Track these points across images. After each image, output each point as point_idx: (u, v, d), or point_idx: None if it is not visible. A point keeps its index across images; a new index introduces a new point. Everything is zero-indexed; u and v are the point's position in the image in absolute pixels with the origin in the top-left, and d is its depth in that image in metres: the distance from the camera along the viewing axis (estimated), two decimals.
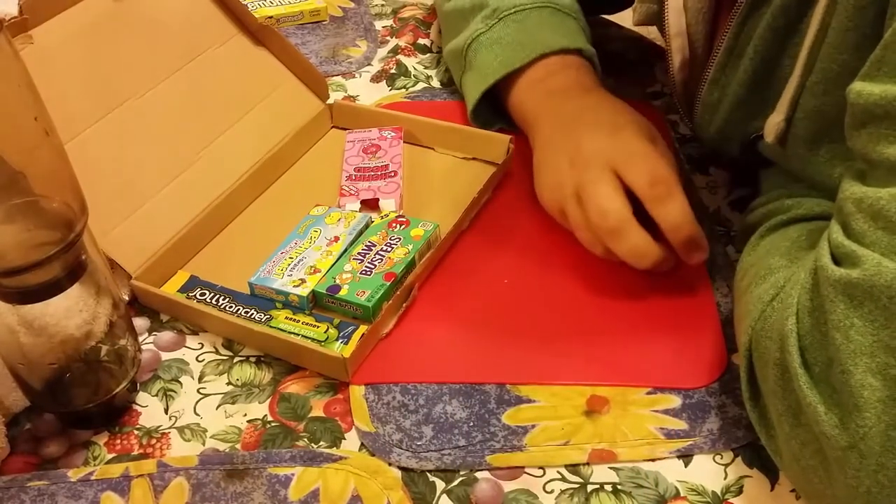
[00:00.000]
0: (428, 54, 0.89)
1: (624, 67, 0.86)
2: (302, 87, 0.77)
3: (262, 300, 0.61)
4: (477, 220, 0.68)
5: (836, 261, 0.42)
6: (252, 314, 0.60)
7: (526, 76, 0.71)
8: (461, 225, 0.66)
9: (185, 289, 0.62)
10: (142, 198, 0.64)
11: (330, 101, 0.79)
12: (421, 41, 0.92)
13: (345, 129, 0.78)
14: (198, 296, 0.61)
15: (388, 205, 0.68)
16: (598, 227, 0.58)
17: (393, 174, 0.71)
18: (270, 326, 0.58)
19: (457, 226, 0.65)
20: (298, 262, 0.62)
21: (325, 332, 0.58)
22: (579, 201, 0.59)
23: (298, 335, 0.58)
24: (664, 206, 0.57)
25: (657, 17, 0.69)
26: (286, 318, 0.59)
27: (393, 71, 0.87)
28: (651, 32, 0.82)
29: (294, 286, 0.60)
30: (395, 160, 0.72)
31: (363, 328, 0.58)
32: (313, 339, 0.57)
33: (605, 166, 0.58)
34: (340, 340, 0.57)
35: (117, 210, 0.62)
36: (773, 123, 0.55)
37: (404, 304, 0.60)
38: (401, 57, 0.89)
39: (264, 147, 0.72)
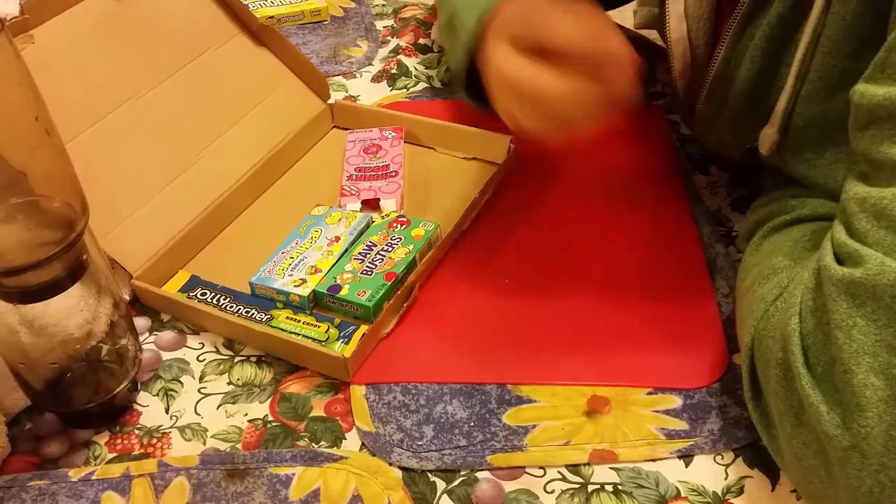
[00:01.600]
0: (429, 54, 0.89)
1: None
2: (303, 86, 0.77)
3: (263, 300, 0.61)
4: (478, 220, 0.68)
5: (839, 260, 0.42)
6: (253, 314, 0.60)
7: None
8: (462, 225, 0.66)
9: (185, 288, 0.62)
10: (143, 198, 0.64)
11: (331, 101, 0.79)
12: (422, 41, 0.92)
13: (346, 129, 0.78)
14: (198, 296, 0.61)
15: (388, 205, 0.68)
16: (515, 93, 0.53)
17: (394, 174, 0.71)
18: (271, 326, 0.58)
19: (457, 226, 0.65)
20: (299, 262, 0.62)
21: (326, 332, 0.58)
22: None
23: (299, 335, 0.58)
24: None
25: (658, 22, 0.69)
26: (287, 317, 0.59)
27: (394, 71, 0.87)
28: (652, 33, 0.82)
29: (295, 286, 0.60)
30: (395, 160, 0.72)
31: (364, 328, 0.58)
32: (314, 339, 0.57)
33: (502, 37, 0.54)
34: (341, 340, 0.57)
35: (118, 210, 0.62)
36: (767, 135, 0.55)
37: (405, 304, 0.60)
38: (402, 57, 0.89)
39: (265, 147, 0.72)
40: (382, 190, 0.69)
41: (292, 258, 0.62)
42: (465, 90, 0.68)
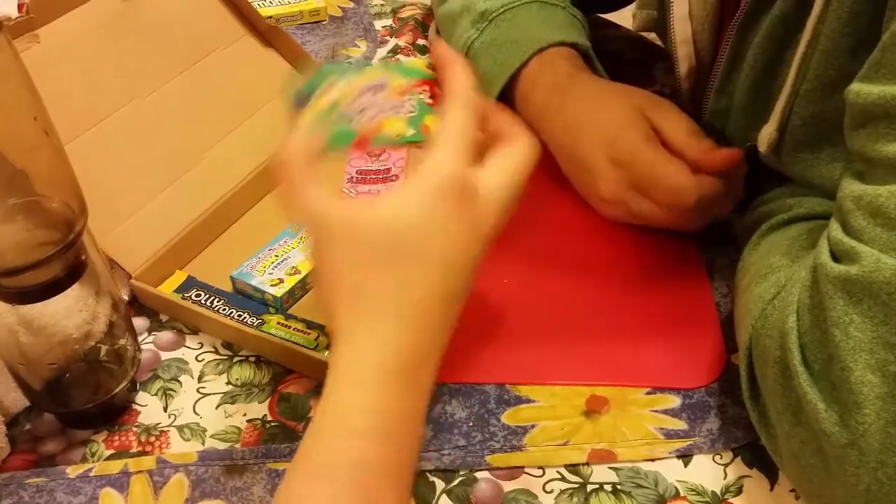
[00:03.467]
0: (427, 55, 0.89)
1: (623, 67, 0.85)
2: None
3: (256, 304, 0.60)
4: None
5: (836, 258, 0.42)
6: (245, 318, 0.59)
7: (522, 79, 0.71)
8: None
9: (181, 289, 0.62)
10: (143, 198, 0.64)
11: None
12: (420, 42, 0.92)
13: None
14: (193, 297, 0.61)
15: None
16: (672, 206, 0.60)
17: (394, 178, 0.70)
18: (262, 331, 0.58)
19: None
20: (282, 262, 0.62)
21: (316, 340, 0.57)
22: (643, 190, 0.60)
23: (289, 341, 0.57)
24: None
25: (657, 24, 0.70)
26: (278, 323, 0.59)
27: None
28: (652, 33, 0.82)
29: (272, 285, 0.60)
30: (397, 164, 0.72)
31: None
32: (303, 346, 0.57)
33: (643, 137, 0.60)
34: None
35: (118, 210, 0.62)
36: (766, 134, 0.55)
37: None
38: (400, 56, 0.89)
39: (269, 149, 0.72)
40: (382, 194, 0.69)
41: (276, 256, 0.62)
42: None
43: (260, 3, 0.96)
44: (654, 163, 0.59)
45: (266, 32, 0.75)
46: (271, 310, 0.60)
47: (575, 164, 0.66)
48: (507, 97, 0.73)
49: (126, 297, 0.61)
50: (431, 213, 0.41)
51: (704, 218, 0.62)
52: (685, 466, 0.51)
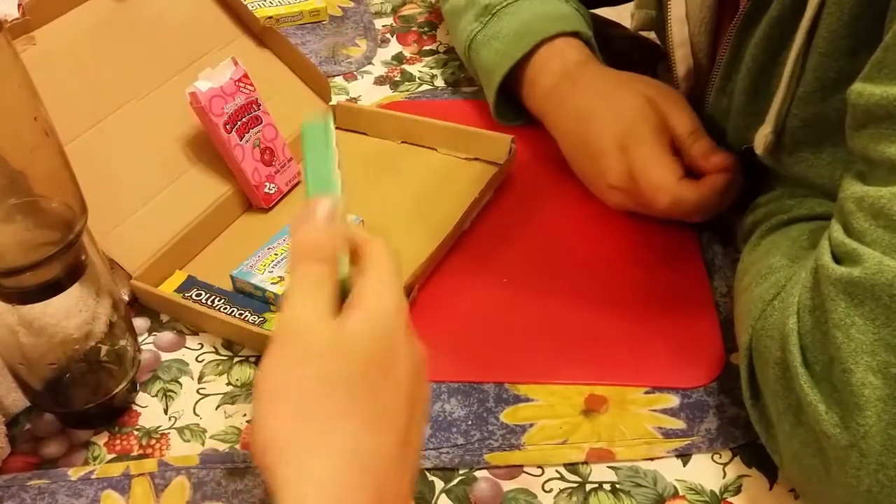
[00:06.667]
0: (432, 57, 0.89)
1: (627, 68, 0.85)
2: (305, 89, 0.77)
3: (257, 302, 0.61)
4: (478, 220, 0.68)
5: (837, 259, 0.42)
6: (246, 316, 0.59)
7: (530, 68, 0.72)
8: (462, 225, 0.66)
9: (181, 289, 0.62)
10: (143, 198, 0.64)
11: (332, 102, 0.79)
12: (426, 48, 0.91)
13: (347, 131, 0.78)
14: (194, 296, 0.61)
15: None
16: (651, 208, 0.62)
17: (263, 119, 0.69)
18: (265, 329, 0.58)
19: (457, 226, 0.65)
20: (282, 260, 0.62)
21: None
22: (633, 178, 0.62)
23: None
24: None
25: (655, 24, 0.70)
26: None
27: (397, 78, 0.86)
28: (652, 32, 0.82)
29: (272, 283, 0.60)
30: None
31: None
32: None
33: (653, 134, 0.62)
34: None
35: (118, 210, 0.62)
36: (762, 136, 0.55)
37: None
38: (405, 66, 0.88)
39: None
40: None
41: (276, 255, 0.62)
42: (496, 115, 0.76)
43: (260, 3, 0.96)
44: (648, 156, 0.61)
45: (260, 33, 0.76)
46: (273, 308, 0.60)
47: (583, 149, 0.67)
48: (510, 90, 0.74)
49: (126, 298, 0.61)
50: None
51: (703, 212, 0.63)
52: (684, 466, 0.51)
